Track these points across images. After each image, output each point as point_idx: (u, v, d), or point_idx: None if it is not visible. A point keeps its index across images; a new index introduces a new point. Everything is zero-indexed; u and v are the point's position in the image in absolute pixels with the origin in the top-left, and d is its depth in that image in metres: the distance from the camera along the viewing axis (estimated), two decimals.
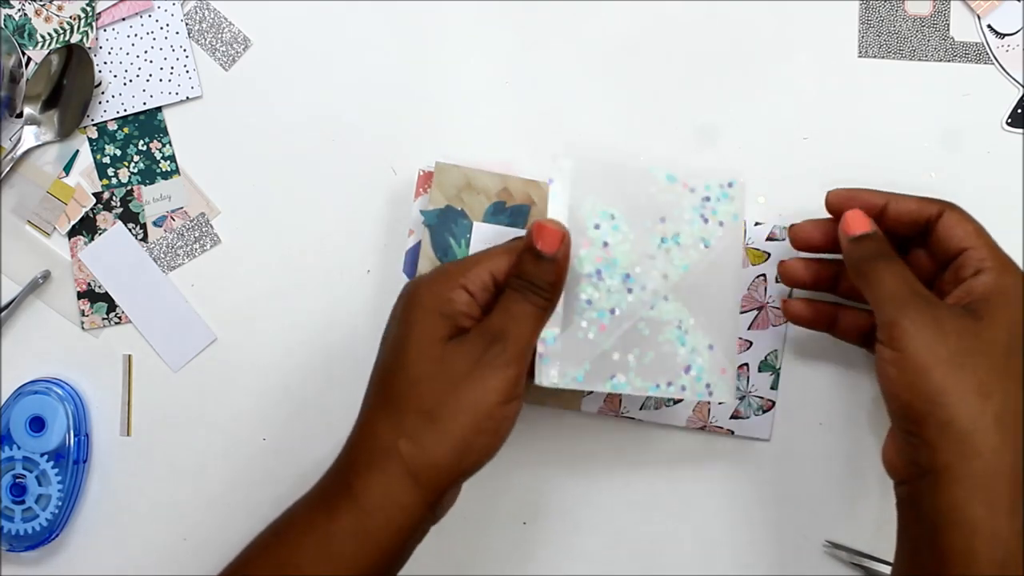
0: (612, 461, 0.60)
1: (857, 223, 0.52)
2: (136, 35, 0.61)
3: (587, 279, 0.51)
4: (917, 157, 0.60)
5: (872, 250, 0.51)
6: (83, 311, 0.61)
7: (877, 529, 0.59)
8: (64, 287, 0.61)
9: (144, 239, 0.61)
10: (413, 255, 0.58)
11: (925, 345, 0.47)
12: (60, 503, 0.59)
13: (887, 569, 0.58)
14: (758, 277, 0.59)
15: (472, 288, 0.49)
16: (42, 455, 0.59)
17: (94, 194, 0.61)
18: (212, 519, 0.61)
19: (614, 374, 0.51)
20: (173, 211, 0.61)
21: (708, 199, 0.54)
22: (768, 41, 0.60)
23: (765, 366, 0.59)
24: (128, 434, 0.61)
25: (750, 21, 0.60)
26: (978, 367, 0.47)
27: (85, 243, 0.61)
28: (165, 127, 0.61)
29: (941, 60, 0.60)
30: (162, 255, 0.61)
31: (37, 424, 0.59)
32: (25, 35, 0.61)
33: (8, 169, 0.60)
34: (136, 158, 0.61)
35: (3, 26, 0.60)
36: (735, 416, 0.59)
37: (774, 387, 0.59)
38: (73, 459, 0.59)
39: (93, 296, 0.61)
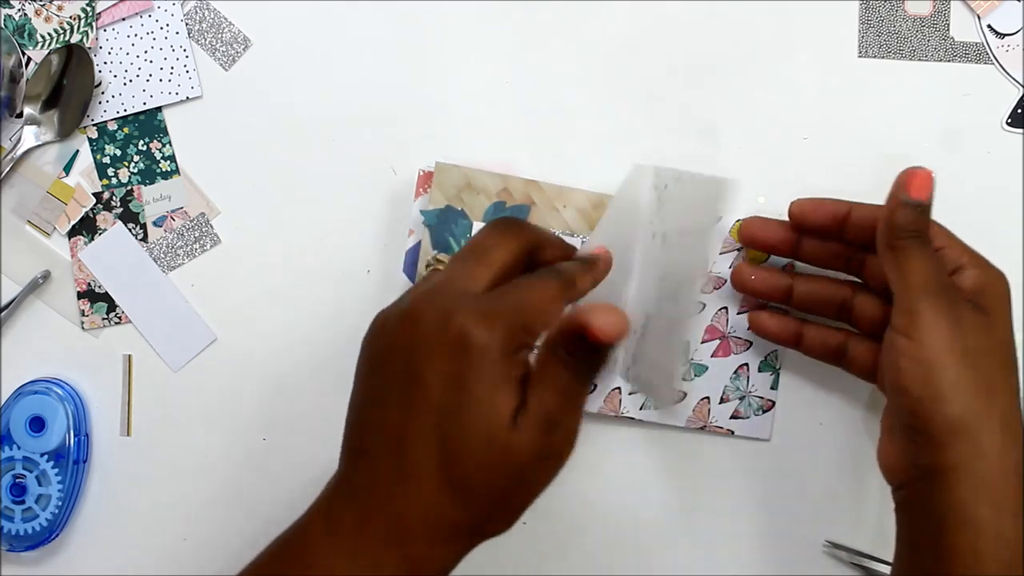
0: (612, 461, 0.60)
1: (921, 185, 0.48)
2: (136, 35, 0.61)
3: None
4: (917, 157, 0.59)
5: (918, 225, 0.48)
6: (83, 311, 0.61)
7: (877, 529, 0.59)
8: (64, 287, 0.61)
9: (144, 239, 0.61)
10: (413, 255, 0.58)
11: (943, 338, 0.46)
12: (60, 503, 0.59)
13: (887, 569, 0.58)
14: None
15: (532, 344, 0.44)
16: (42, 455, 0.59)
17: (94, 194, 0.61)
18: (212, 519, 0.61)
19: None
20: (173, 211, 0.61)
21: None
22: (768, 41, 0.60)
23: (765, 366, 0.59)
24: (128, 434, 0.61)
25: (750, 21, 0.60)
26: (991, 365, 0.47)
27: (85, 243, 0.61)
28: (165, 127, 0.61)
29: (941, 60, 0.60)
30: (162, 255, 0.61)
31: (37, 424, 0.59)
32: (25, 35, 0.61)
33: (8, 169, 0.60)
34: (136, 158, 0.61)
35: (3, 26, 0.60)
36: (735, 416, 0.59)
37: (774, 387, 0.59)
38: (73, 459, 0.59)
39: (93, 296, 0.61)
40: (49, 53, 0.60)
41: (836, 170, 0.59)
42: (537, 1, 0.60)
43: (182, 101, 0.61)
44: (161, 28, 0.61)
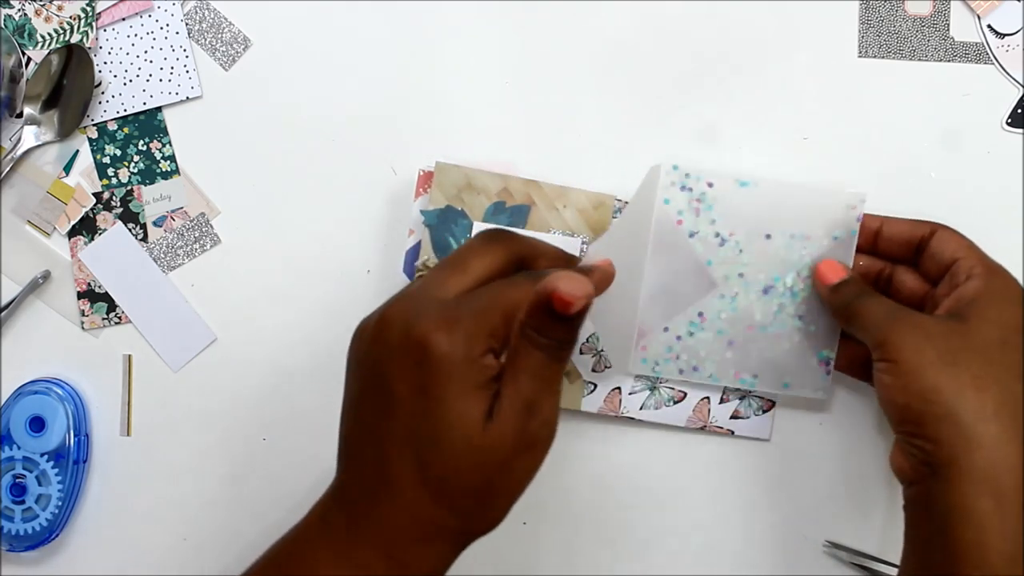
0: (612, 461, 0.60)
1: (832, 272, 0.54)
2: (136, 35, 0.61)
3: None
4: (917, 157, 0.60)
5: (852, 292, 0.53)
6: (83, 311, 0.61)
7: (878, 529, 0.59)
8: (64, 287, 0.61)
9: (144, 239, 0.61)
10: (413, 255, 0.58)
11: (913, 351, 0.48)
12: (60, 503, 0.59)
13: (887, 569, 0.58)
14: None
15: (499, 346, 0.45)
16: (42, 455, 0.59)
17: (94, 194, 0.61)
18: (212, 519, 0.61)
19: (695, 366, 0.56)
20: (173, 211, 0.61)
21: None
22: (768, 41, 0.60)
23: None
24: (128, 434, 0.61)
25: (750, 21, 0.60)
26: (971, 363, 0.48)
27: (85, 243, 0.61)
28: (165, 127, 0.61)
29: (941, 60, 0.60)
30: (162, 255, 0.61)
31: (37, 424, 0.59)
32: (25, 35, 0.61)
33: (8, 169, 0.60)
34: (136, 158, 0.61)
35: (3, 26, 0.60)
36: (735, 416, 0.59)
37: None
38: (73, 459, 0.59)
39: (93, 296, 0.61)
40: (49, 53, 0.60)
41: (836, 170, 0.59)
42: (537, 1, 0.60)
43: (182, 101, 0.61)
44: (161, 28, 0.61)
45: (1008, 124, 0.59)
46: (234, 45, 0.61)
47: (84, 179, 0.61)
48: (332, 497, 0.47)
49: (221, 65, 0.61)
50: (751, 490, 0.60)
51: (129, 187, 0.61)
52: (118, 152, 0.61)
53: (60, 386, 0.60)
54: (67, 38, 0.60)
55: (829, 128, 0.60)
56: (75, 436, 0.60)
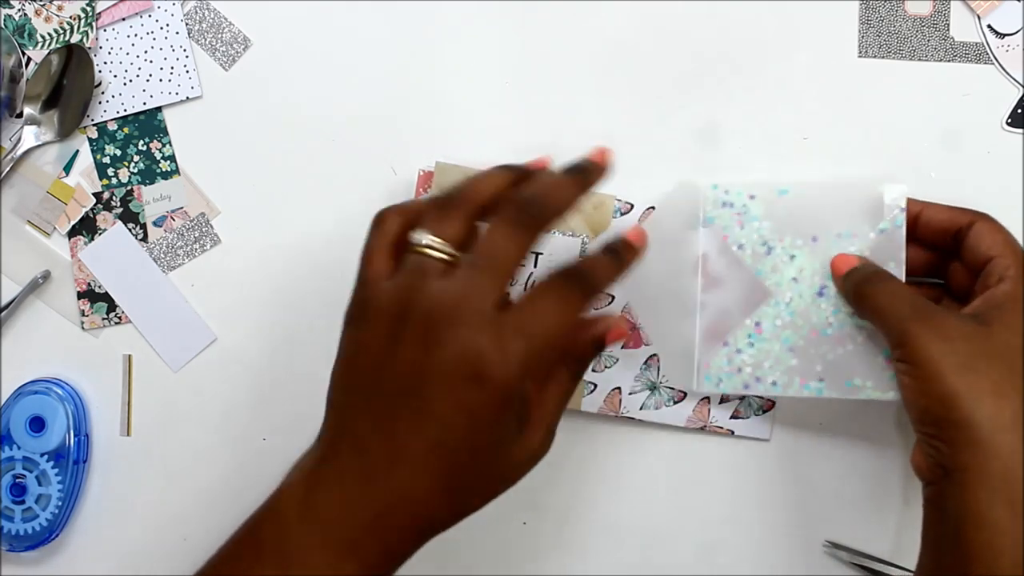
0: (612, 461, 0.60)
1: (843, 263, 0.54)
2: (136, 35, 0.61)
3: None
4: (917, 157, 0.60)
5: (863, 275, 0.53)
6: (83, 311, 0.61)
7: (877, 529, 0.59)
8: (64, 287, 0.61)
9: (144, 239, 0.61)
10: None
11: (934, 354, 0.48)
12: (60, 503, 0.59)
13: (887, 569, 0.58)
14: None
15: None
16: (42, 455, 0.59)
17: (94, 194, 0.61)
18: (212, 519, 0.61)
19: (759, 378, 0.56)
20: (173, 211, 0.61)
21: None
22: (768, 41, 0.60)
23: None
24: (128, 434, 0.61)
25: (750, 21, 0.60)
26: (991, 370, 0.47)
27: (85, 243, 0.61)
28: (165, 127, 0.61)
29: (941, 60, 0.60)
30: (162, 255, 0.61)
31: (37, 424, 0.59)
32: (25, 35, 0.61)
33: (8, 169, 0.60)
34: (136, 158, 0.61)
35: (3, 26, 0.60)
36: (735, 416, 0.59)
37: None
38: (73, 459, 0.59)
39: (93, 296, 0.61)
40: (49, 53, 0.60)
41: (836, 170, 0.59)
42: (537, 1, 0.60)
43: (182, 101, 0.61)
44: (161, 28, 0.61)
45: (1008, 124, 0.59)
46: (234, 45, 0.61)
47: (84, 179, 0.61)
48: (318, 477, 0.46)
49: (221, 65, 0.61)
50: (751, 490, 0.60)
51: (129, 187, 0.61)
52: (118, 152, 0.61)
53: (60, 386, 0.60)
54: (67, 38, 0.60)
55: (829, 128, 0.60)
56: (75, 436, 0.60)
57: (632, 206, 0.58)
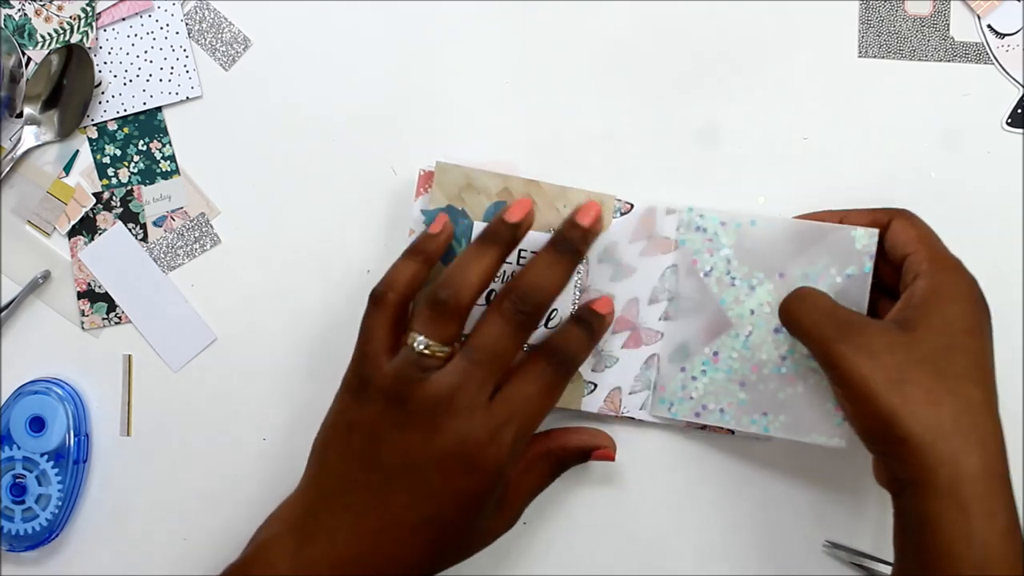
0: (612, 461, 0.60)
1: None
2: (136, 35, 0.61)
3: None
4: (917, 157, 0.60)
5: (790, 294, 0.53)
6: (83, 311, 0.61)
7: (877, 529, 0.59)
8: (64, 287, 0.61)
9: (144, 239, 0.61)
10: None
11: (864, 372, 0.48)
12: (60, 503, 0.59)
13: (887, 569, 0.58)
14: None
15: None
16: (42, 455, 0.59)
17: (94, 194, 0.61)
18: (212, 519, 0.61)
19: (706, 405, 0.57)
20: (173, 211, 0.61)
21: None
22: (768, 41, 0.60)
23: None
24: (128, 434, 0.61)
25: (750, 21, 0.60)
26: (922, 377, 0.47)
27: (85, 243, 0.61)
28: (165, 127, 0.61)
29: (941, 60, 0.60)
30: (162, 255, 0.61)
31: (37, 424, 0.59)
32: (25, 35, 0.61)
33: (8, 169, 0.60)
34: (136, 158, 0.61)
35: (3, 26, 0.60)
36: None
37: None
38: (73, 459, 0.59)
39: (93, 296, 0.61)
40: (49, 53, 0.60)
41: (836, 170, 0.59)
42: (537, 1, 0.60)
43: (182, 101, 0.61)
44: (161, 28, 0.61)
45: (1008, 124, 0.59)
46: (234, 45, 0.61)
47: (84, 179, 0.61)
48: (306, 536, 0.49)
49: (221, 65, 0.61)
50: (751, 490, 0.60)
51: (129, 187, 0.61)
52: (118, 152, 0.61)
53: (60, 386, 0.60)
54: (67, 38, 0.60)
55: (829, 128, 0.60)
56: (75, 436, 0.60)
57: (632, 206, 0.58)
